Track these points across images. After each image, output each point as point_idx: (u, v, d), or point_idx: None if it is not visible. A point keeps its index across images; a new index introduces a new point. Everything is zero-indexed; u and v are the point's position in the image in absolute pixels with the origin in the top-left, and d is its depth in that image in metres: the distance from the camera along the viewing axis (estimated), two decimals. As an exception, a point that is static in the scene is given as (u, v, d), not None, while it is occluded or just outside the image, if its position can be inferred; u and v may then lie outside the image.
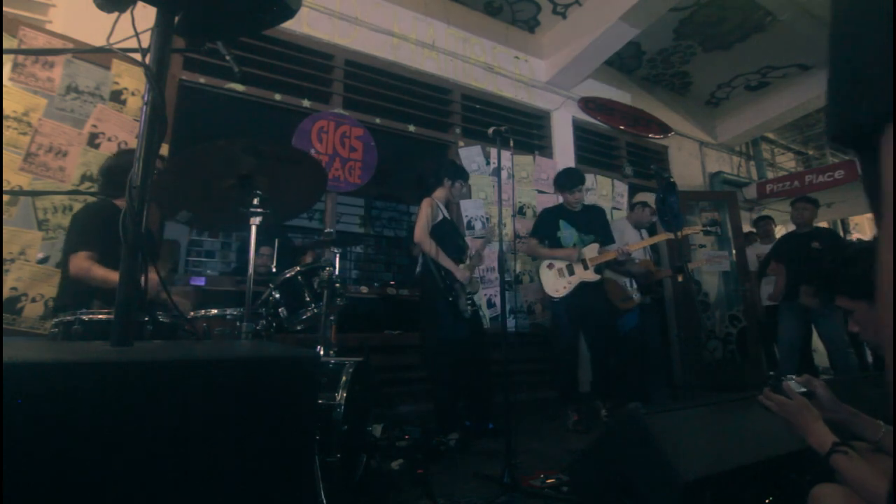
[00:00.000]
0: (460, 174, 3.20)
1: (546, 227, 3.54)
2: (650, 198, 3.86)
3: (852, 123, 0.36)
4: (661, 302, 3.83)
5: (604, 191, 4.95)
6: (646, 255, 3.79)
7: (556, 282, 3.37)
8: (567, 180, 3.50)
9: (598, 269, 3.35)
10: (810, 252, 3.73)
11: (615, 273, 3.65)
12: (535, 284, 4.27)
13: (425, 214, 2.93)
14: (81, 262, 1.92)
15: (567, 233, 3.48)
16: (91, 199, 2.38)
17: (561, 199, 3.66)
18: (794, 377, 1.21)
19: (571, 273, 3.35)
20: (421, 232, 2.89)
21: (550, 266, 3.41)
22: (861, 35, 0.37)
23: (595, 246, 3.39)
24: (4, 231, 2.40)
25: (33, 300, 2.46)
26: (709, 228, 4.56)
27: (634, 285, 3.68)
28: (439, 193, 3.10)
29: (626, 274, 3.67)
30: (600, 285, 3.42)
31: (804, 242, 3.82)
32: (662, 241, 4.28)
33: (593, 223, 3.51)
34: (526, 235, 4.33)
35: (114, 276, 1.84)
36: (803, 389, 1.18)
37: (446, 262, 2.88)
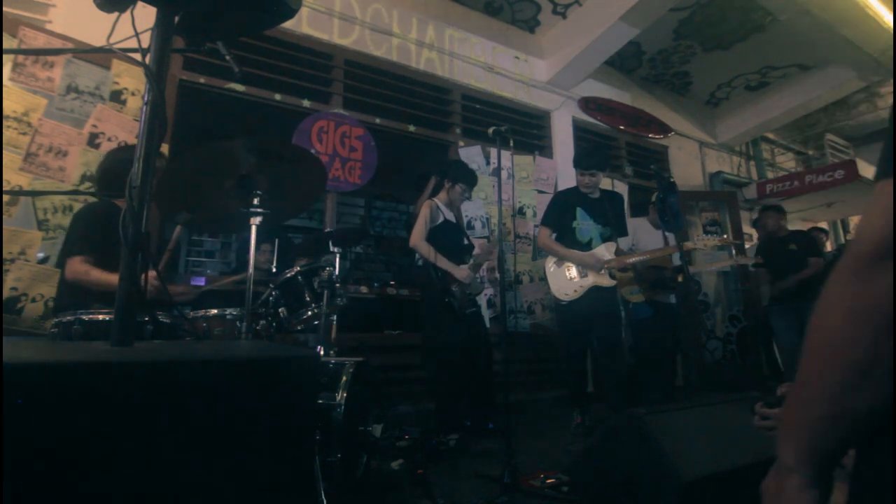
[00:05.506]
0: (463, 177, 3.04)
1: (559, 215, 3.06)
2: None
3: None
4: (673, 307, 3.59)
5: (604, 191, 4.95)
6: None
7: (566, 283, 2.98)
8: (580, 158, 3.06)
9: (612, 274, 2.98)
10: (788, 254, 4.00)
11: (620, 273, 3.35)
12: (536, 284, 4.28)
13: (423, 218, 2.90)
14: (78, 267, 1.87)
15: (584, 224, 3.03)
16: (91, 198, 2.38)
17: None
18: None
19: (584, 275, 2.95)
20: (416, 237, 2.86)
21: (559, 263, 3.03)
22: None
23: (612, 246, 2.99)
24: (4, 231, 2.40)
25: (33, 300, 2.46)
26: (709, 229, 4.55)
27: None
28: (441, 195, 3.07)
29: (635, 273, 3.37)
30: (614, 290, 3.04)
31: (782, 246, 4.08)
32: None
33: (609, 214, 3.06)
34: (530, 231, 4.34)
35: (112, 278, 1.80)
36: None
37: (444, 263, 2.85)
